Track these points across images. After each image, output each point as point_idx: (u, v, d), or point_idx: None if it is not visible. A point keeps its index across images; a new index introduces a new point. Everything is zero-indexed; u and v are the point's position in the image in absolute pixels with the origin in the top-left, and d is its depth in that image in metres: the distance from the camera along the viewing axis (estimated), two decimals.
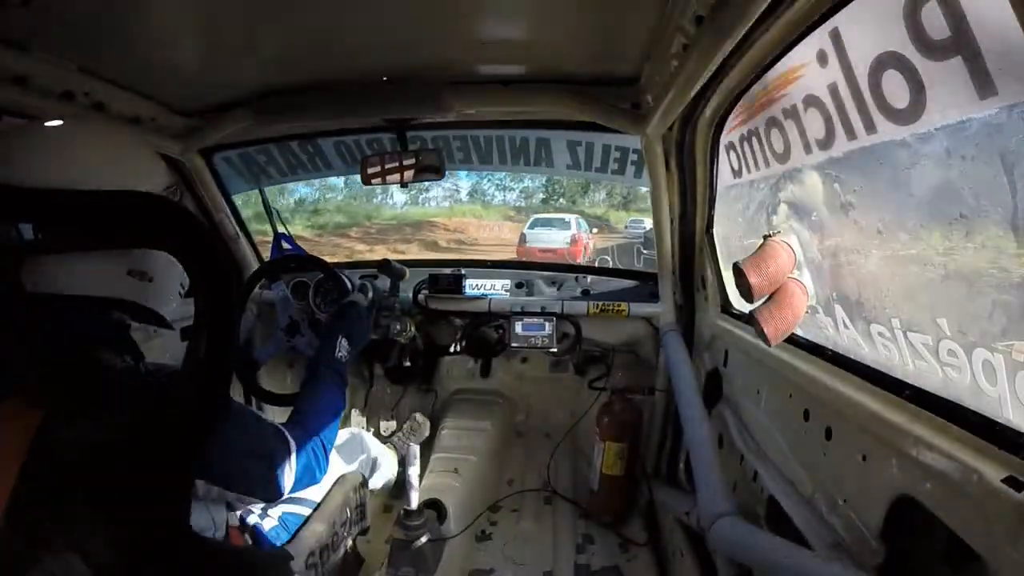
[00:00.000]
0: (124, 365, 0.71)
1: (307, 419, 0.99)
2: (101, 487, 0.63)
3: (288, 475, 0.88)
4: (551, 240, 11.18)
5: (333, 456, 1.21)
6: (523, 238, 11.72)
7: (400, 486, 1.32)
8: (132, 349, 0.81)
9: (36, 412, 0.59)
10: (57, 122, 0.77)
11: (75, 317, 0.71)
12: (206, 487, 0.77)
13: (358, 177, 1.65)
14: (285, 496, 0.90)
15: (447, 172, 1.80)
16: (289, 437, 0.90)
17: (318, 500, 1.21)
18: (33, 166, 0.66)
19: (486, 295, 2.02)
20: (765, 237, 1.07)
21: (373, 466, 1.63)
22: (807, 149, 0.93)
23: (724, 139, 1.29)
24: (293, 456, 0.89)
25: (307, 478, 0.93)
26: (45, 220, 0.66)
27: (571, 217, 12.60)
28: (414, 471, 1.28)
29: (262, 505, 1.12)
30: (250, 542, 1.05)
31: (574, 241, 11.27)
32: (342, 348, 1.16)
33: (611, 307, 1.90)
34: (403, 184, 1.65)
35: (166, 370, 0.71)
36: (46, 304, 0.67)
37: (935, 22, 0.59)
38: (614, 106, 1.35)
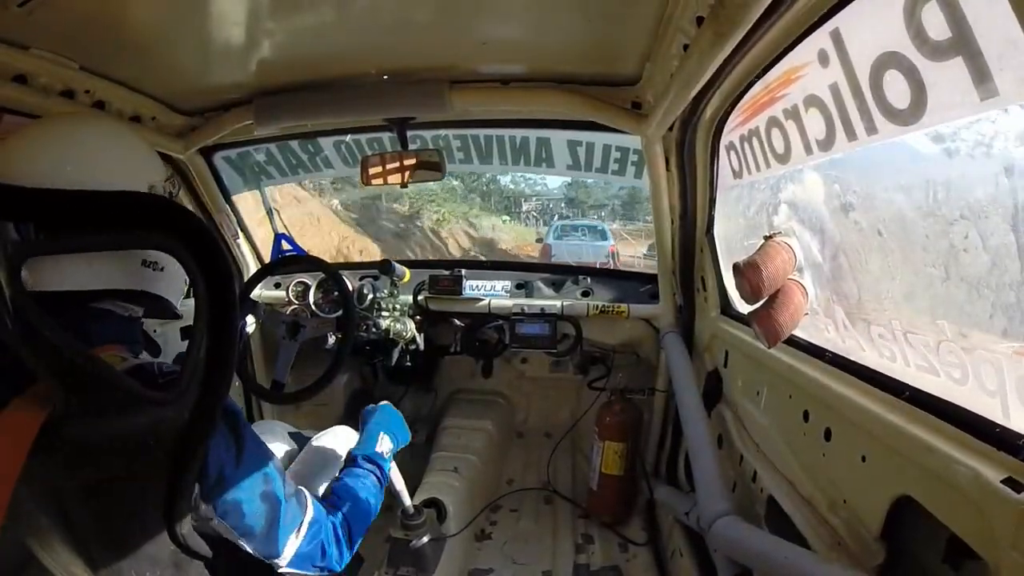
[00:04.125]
0: (139, 364, 0.71)
1: (338, 499, 0.92)
2: (101, 487, 0.63)
3: (292, 538, 0.79)
4: (588, 253, 9.15)
5: (329, 456, 1.21)
6: (547, 250, 9.94)
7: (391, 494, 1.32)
8: (147, 343, 0.80)
9: (42, 412, 0.59)
10: (52, 118, 0.77)
11: (83, 313, 0.71)
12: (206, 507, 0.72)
13: None
14: (283, 565, 0.79)
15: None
16: (309, 501, 0.83)
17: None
18: (26, 165, 0.66)
19: (486, 295, 2.02)
20: (765, 238, 1.07)
21: None
22: (808, 149, 0.93)
23: (724, 139, 1.29)
24: (304, 520, 0.81)
25: (317, 555, 0.83)
26: (42, 221, 0.66)
27: (601, 223, 10.99)
28: (398, 481, 1.30)
29: None
30: None
31: (614, 255, 9.42)
32: (383, 444, 1.07)
33: (611, 308, 1.90)
34: (403, 184, 1.65)
35: (177, 371, 0.70)
36: (54, 302, 0.67)
37: (936, 22, 0.59)
38: (614, 106, 1.35)
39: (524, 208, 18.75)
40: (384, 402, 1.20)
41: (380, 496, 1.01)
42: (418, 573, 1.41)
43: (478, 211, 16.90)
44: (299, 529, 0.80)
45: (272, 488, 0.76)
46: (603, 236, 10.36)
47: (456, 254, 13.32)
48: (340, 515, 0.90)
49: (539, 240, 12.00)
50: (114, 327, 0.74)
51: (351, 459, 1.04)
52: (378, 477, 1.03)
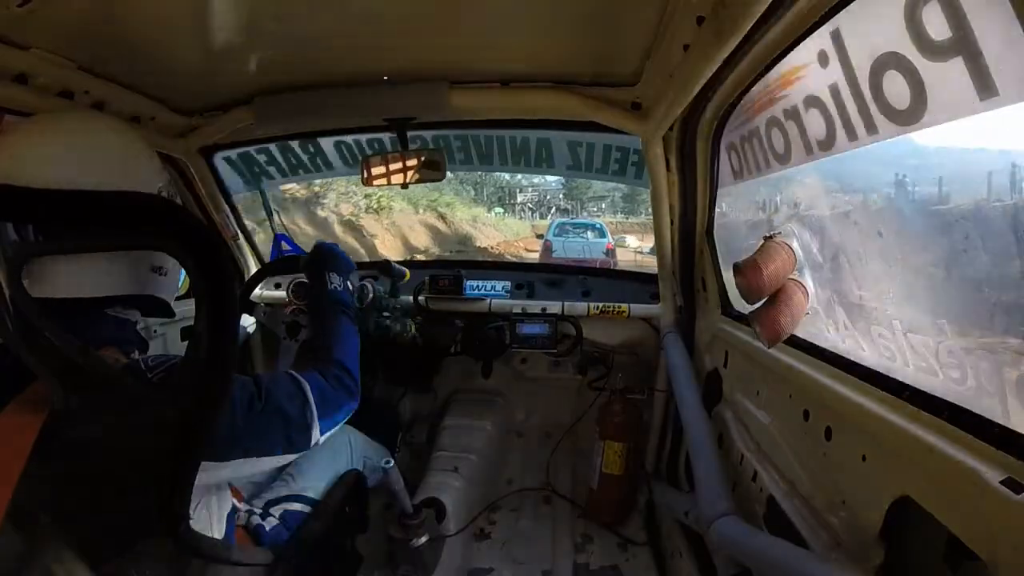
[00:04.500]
0: (128, 363, 0.71)
1: (320, 352, 0.96)
2: (101, 487, 0.63)
3: (313, 420, 0.84)
4: (587, 250, 9.57)
5: (329, 456, 1.21)
6: (548, 247, 10.21)
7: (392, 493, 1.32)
8: (139, 344, 0.81)
9: (42, 412, 0.59)
10: (52, 117, 0.77)
11: (82, 317, 0.71)
12: (213, 473, 0.75)
13: None
14: (320, 440, 0.86)
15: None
16: (301, 378, 0.87)
17: (318, 498, 1.21)
18: (31, 165, 0.66)
19: (486, 296, 2.02)
20: (766, 238, 1.07)
21: (366, 464, 1.63)
22: (808, 149, 0.93)
23: (725, 139, 1.29)
24: (309, 399, 0.85)
25: (339, 412, 0.90)
26: (44, 222, 0.66)
27: (599, 222, 11.34)
28: (398, 481, 1.30)
29: (263, 504, 1.12)
30: (252, 542, 1.05)
31: (611, 252, 9.85)
32: (333, 281, 1.12)
33: (611, 308, 1.90)
34: (404, 185, 1.65)
35: (168, 364, 0.71)
36: (55, 306, 0.67)
37: (936, 22, 0.59)
38: (614, 106, 1.35)
39: (519, 200, 18.26)
40: (314, 247, 1.23)
41: (354, 321, 1.07)
42: (417, 573, 1.41)
43: (451, 198, 15.02)
44: (310, 410, 0.84)
45: (273, 402, 0.80)
46: (601, 234, 10.63)
47: (389, 255, 8.57)
48: (332, 363, 0.94)
49: (539, 236, 12.11)
50: (108, 329, 0.74)
51: (312, 309, 1.09)
52: (343, 311, 1.07)
